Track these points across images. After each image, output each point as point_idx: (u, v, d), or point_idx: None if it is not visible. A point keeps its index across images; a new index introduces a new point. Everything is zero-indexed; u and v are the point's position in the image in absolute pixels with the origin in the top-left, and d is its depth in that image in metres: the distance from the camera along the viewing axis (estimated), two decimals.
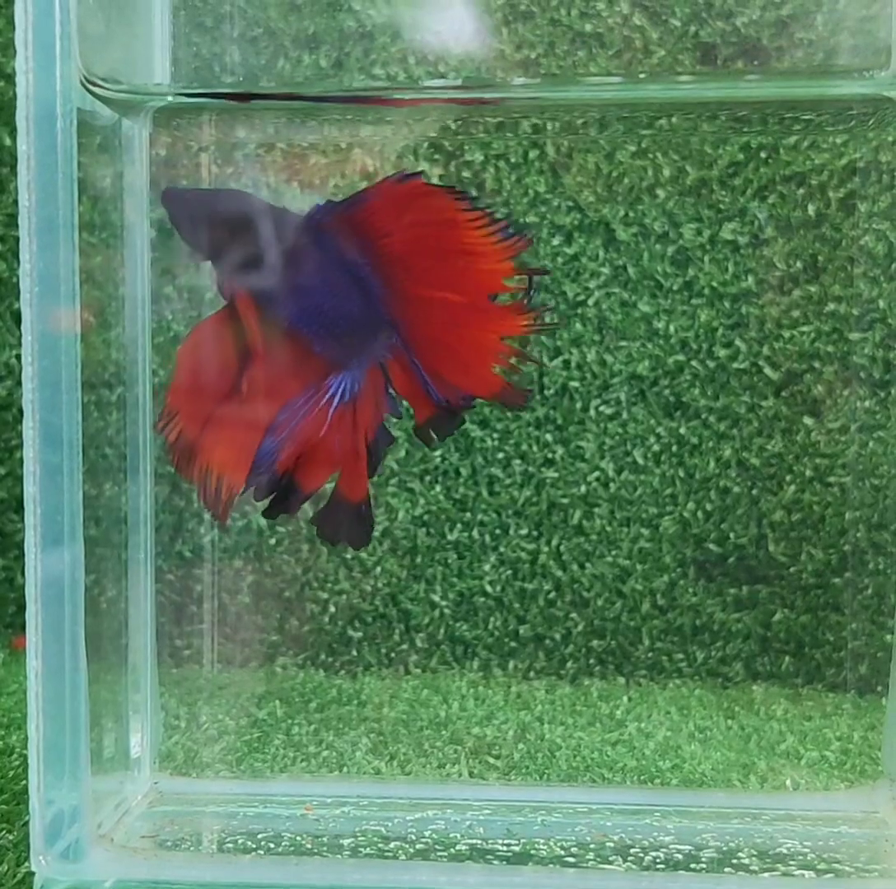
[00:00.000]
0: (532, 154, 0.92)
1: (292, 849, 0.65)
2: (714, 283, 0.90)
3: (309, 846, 0.65)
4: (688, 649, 0.91)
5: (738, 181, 0.90)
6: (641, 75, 0.85)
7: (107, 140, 0.69)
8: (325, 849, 0.65)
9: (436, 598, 0.93)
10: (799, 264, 0.90)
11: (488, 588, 0.92)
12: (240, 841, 0.65)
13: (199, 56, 0.85)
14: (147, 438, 0.73)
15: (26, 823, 0.61)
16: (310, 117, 0.79)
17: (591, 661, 0.92)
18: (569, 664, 0.92)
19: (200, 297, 0.90)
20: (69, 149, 0.60)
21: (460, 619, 0.93)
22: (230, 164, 0.90)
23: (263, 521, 0.92)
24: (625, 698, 0.88)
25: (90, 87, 0.61)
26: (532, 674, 0.92)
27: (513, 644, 0.93)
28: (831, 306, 0.89)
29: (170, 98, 0.68)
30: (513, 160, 0.92)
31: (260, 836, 0.66)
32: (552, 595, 0.92)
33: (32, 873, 0.60)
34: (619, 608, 0.92)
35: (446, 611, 0.93)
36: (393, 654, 0.93)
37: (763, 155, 0.90)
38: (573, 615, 0.92)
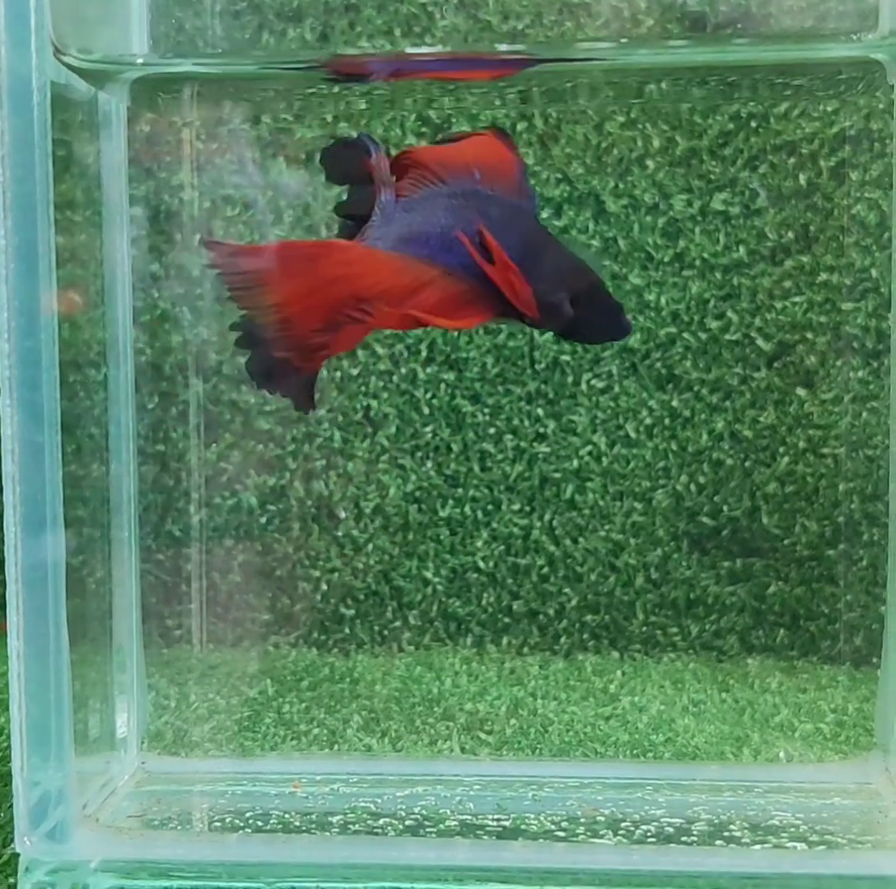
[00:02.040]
0: (520, 126, 0.91)
1: (280, 826, 0.64)
2: (705, 255, 0.90)
3: (297, 824, 0.64)
4: (682, 623, 0.91)
5: (728, 151, 0.89)
6: (623, 40, 0.84)
7: (88, 115, 0.69)
8: (313, 826, 0.64)
9: (428, 574, 0.92)
10: (790, 234, 0.89)
11: (481, 564, 0.92)
12: (228, 819, 0.65)
13: (183, 30, 0.85)
14: (131, 418, 0.73)
15: (12, 805, 0.61)
16: (295, 90, 0.79)
17: (585, 635, 0.92)
18: (563, 639, 0.92)
19: (188, 274, 0.90)
20: (44, 123, 0.60)
21: (453, 595, 0.92)
22: (214, 140, 0.90)
23: (254, 500, 0.91)
24: (619, 673, 0.88)
25: (61, 57, 0.60)
26: (526, 649, 0.92)
27: (506, 620, 0.92)
28: (823, 276, 0.89)
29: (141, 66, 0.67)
30: None
31: (248, 814, 0.65)
32: (545, 570, 0.92)
33: (18, 854, 0.60)
34: (613, 583, 0.91)
35: (439, 587, 0.92)
36: (386, 632, 0.92)
37: (753, 124, 0.89)
38: (567, 590, 0.92)
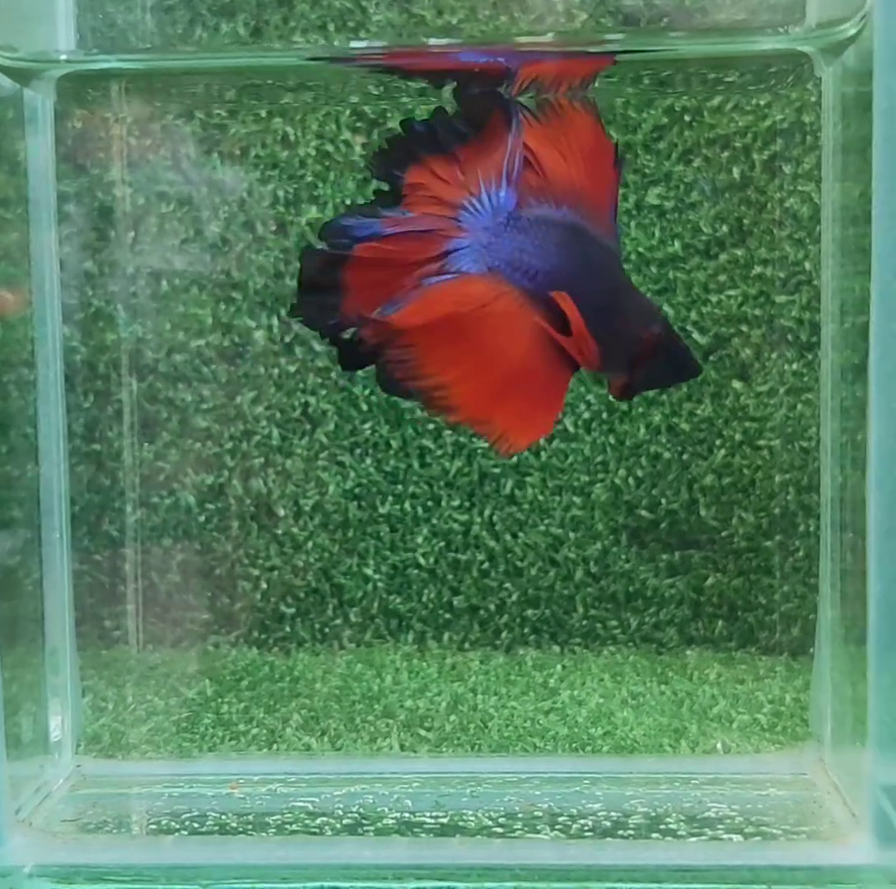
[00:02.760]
0: None
1: (217, 828, 0.64)
2: (640, 249, 0.90)
3: (234, 825, 0.64)
4: (622, 616, 0.91)
5: (662, 145, 0.90)
6: (548, 35, 0.84)
7: (15, 111, 0.68)
8: (250, 827, 0.64)
9: (369, 571, 0.92)
10: (725, 228, 0.89)
11: (421, 560, 0.92)
12: (164, 822, 0.64)
13: (114, 25, 0.84)
14: (61, 417, 0.72)
15: None
16: (227, 85, 0.78)
17: (526, 630, 0.92)
18: (503, 634, 0.92)
19: (123, 271, 0.89)
20: None
21: (394, 592, 0.92)
22: (147, 135, 0.89)
23: (192, 499, 0.91)
24: (559, 666, 0.88)
25: None
26: (467, 645, 0.92)
27: (447, 616, 0.92)
28: (758, 269, 0.89)
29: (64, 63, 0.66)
30: None
31: (184, 816, 0.65)
32: (486, 565, 0.92)
33: None
34: (553, 577, 0.92)
35: (379, 584, 0.92)
36: (327, 630, 0.92)
37: (687, 118, 0.89)
38: (507, 585, 0.92)
